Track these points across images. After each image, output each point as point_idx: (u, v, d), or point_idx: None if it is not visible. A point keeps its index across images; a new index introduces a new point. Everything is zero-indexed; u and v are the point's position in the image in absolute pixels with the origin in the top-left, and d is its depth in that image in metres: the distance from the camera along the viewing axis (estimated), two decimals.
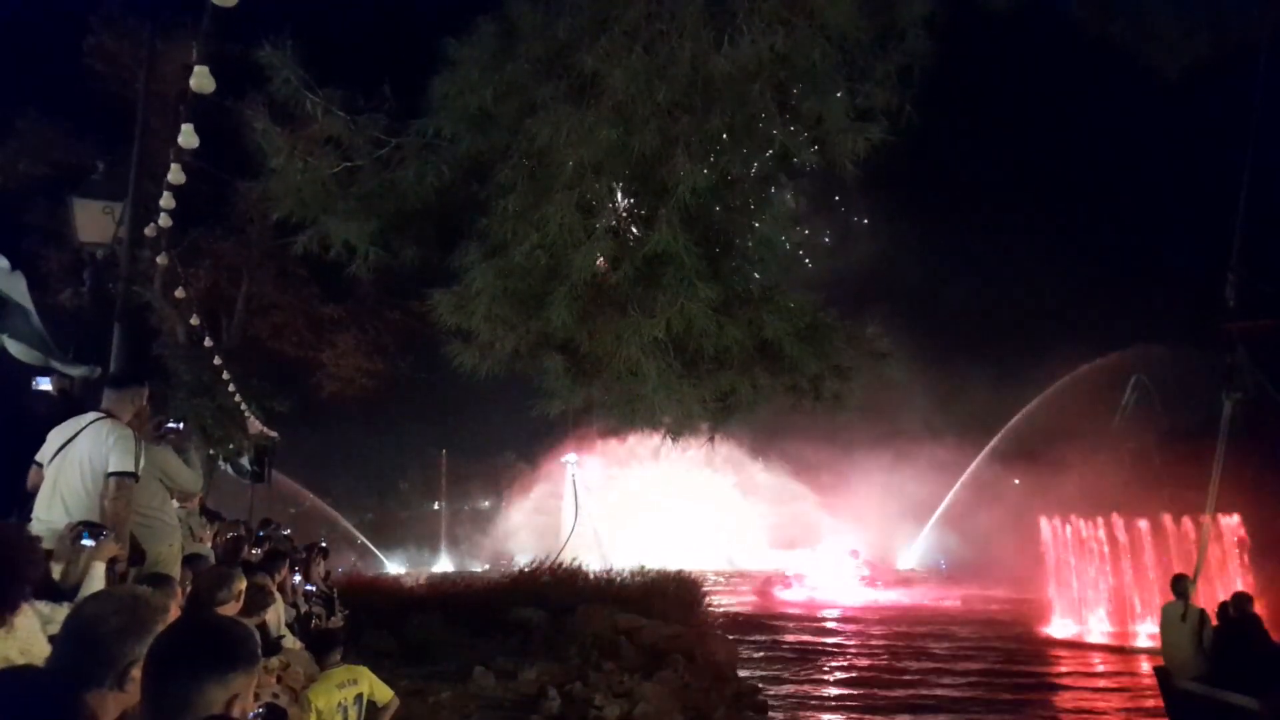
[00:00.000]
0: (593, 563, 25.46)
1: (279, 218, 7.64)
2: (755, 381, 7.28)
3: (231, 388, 15.52)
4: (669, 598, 21.09)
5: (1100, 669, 19.34)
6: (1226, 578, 21.66)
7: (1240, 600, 10.48)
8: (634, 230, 6.84)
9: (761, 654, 21.61)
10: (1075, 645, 23.44)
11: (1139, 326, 38.78)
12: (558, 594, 18.98)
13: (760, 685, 16.20)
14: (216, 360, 14.84)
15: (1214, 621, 10.59)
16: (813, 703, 15.18)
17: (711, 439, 8.08)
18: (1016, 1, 6.98)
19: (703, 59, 6.11)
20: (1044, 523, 30.66)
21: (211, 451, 18.07)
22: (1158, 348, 36.20)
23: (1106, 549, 28.03)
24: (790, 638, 25.09)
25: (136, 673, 2.25)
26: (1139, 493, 31.84)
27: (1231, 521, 23.86)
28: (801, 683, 17.62)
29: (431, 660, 13.65)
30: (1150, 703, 13.02)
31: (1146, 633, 21.10)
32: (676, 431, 7.67)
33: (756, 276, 7.38)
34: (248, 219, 19.60)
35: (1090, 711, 14.58)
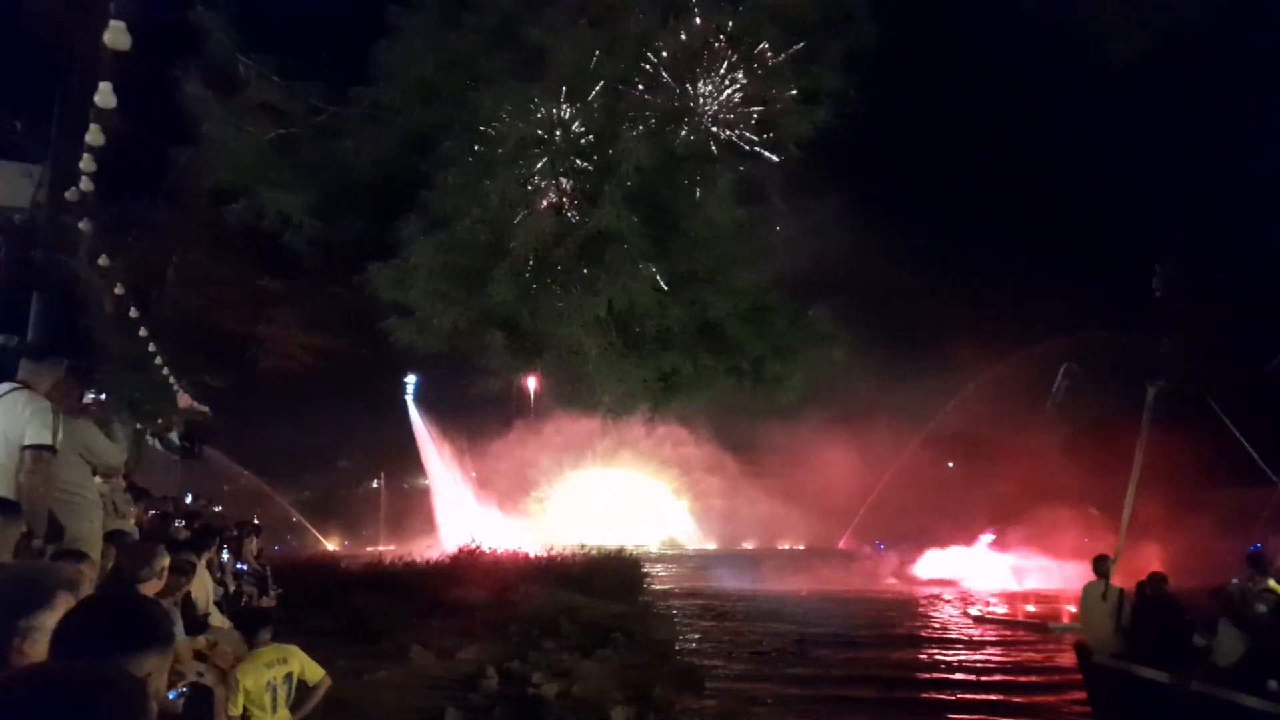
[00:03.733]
0: (463, 540, 24.47)
1: (216, 186, 7.43)
2: (698, 362, 7.32)
3: (159, 360, 15.06)
4: (610, 577, 21.17)
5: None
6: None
7: (1156, 580, 10.89)
8: (577, 207, 6.80)
9: None
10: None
11: (1078, 314, 39.79)
12: (500, 573, 18.94)
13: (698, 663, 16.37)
14: (143, 332, 14.37)
15: (1132, 600, 11.00)
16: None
17: (652, 419, 8.10)
18: None
19: (651, 35, 6.07)
20: None
21: (139, 426, 17.54)
22: (1091, 335, 37.23)
23: None
24: None
25: (28, 647, 2.16)
26: (1068, 476, 32.94)
27: None
28: None
29: (371, 640, 13.49)
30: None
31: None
32: (617, 411, 7.67)
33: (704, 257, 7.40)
34: (182, 187, 18.95)
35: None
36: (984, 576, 34.00)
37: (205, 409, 18.27)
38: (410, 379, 51.45)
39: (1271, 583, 10.47)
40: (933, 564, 37.23)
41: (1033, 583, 31.94)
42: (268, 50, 6.80)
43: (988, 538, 37.50)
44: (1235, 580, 10.80)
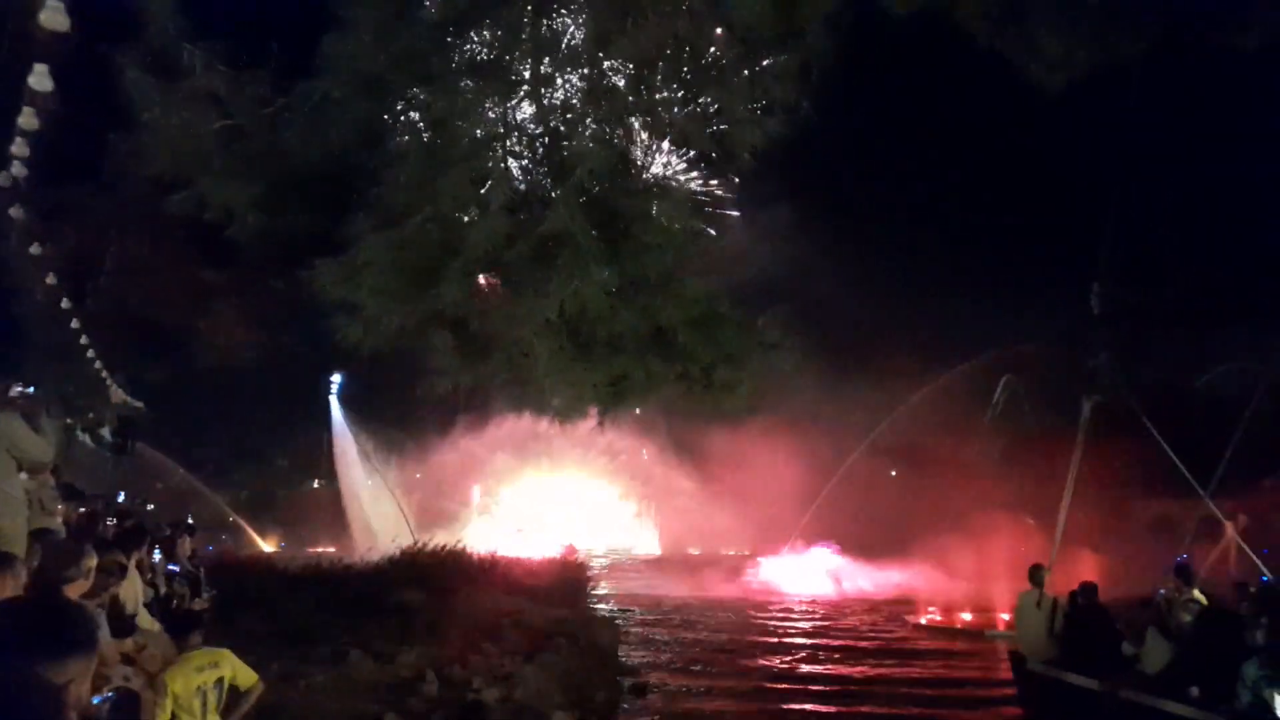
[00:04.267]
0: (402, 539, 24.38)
1: (156, 176, 7.21)
2: (648, 368, 7.28)
3: (91, 353, 14.57)
4: (555, 581, 21.07)
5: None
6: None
7: (1087, 589, 11.20)
8: (530, 209, 6.73)
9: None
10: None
11: (1019, 329, 40.82)
12: (442, 576, 18.69)
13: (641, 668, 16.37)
14: (75, 324, 13.89)
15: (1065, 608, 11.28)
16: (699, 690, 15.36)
17: (601, 423, 8.07)
18: (916, 9, 7.17)
19: (606, 39, 6.05)
20: None
21: (69, 421, 16.96)
22: (1031, 350, 38.13)
23: None
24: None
25: None
26: (1006, 486, 33.71)
27: None
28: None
29: (309, 644, 13.20)
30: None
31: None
32: (566, 415, 7.62)
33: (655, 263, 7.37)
34: (121, 176, 18.42)
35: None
36: (812, 584, 35.16)
37: (139, 404, 17.72)
38: (335, 378, 50.53)
39: (1197, 593, 10.84)
40: (765, 571, 38.24)
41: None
42: (215, 38, 6.62)
43: (824, 549, 39.05)
44: (1162, 590, 11.17)
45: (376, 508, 49.90)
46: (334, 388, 51.19)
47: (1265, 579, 16.20)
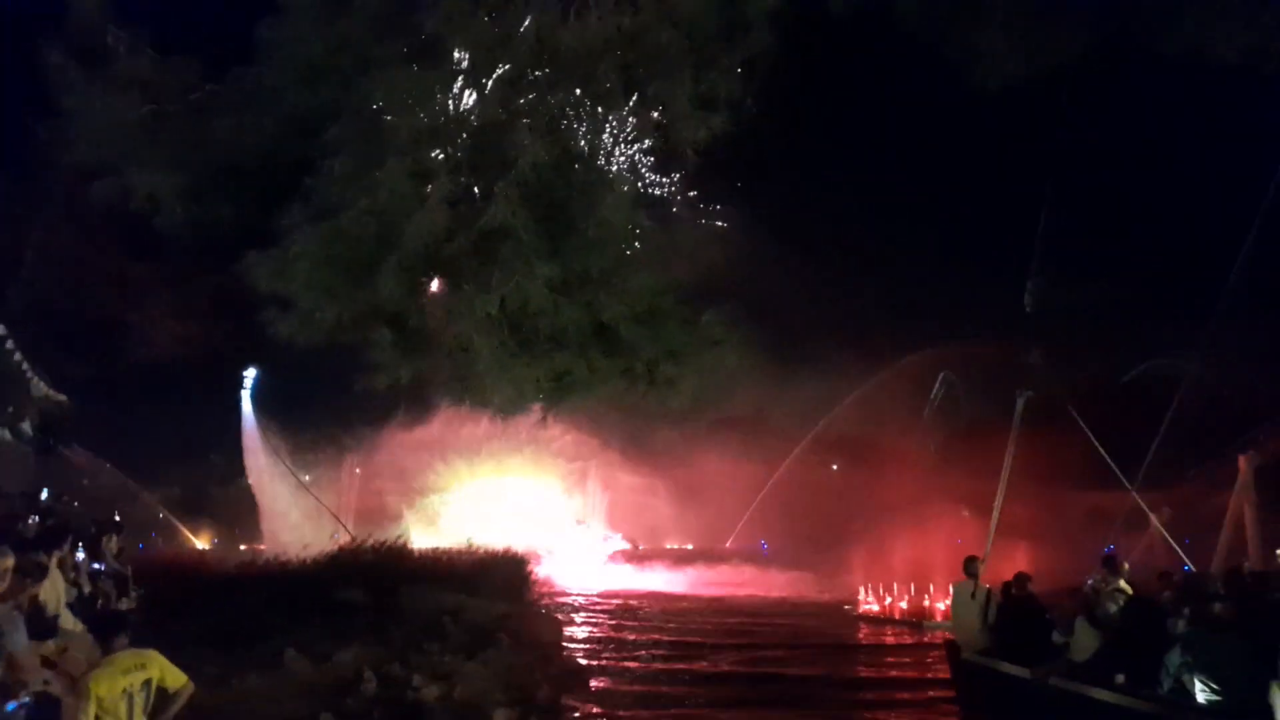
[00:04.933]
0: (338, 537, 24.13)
1: (79, 164, 6.94)
2: (591, 363, 7.26)
3: (10, 344, 14.00)
4: (497, 577, 20.96)
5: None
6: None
7: (1020, 580, 11.49)
8: (471, 202, 6.64)
9: None
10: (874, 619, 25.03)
11: (956, 326, 41.70)
12: (383, 573, 18.42)
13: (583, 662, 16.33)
14: None
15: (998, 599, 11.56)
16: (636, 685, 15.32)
17: (544, 419, 8.02)
18: (855, 7, 7.25)
19: (549, 30, 5.99)
20: None
21: None
22: (967, 346, 38.98)
23: None
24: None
25: None
26: (943, 479, 34.45)
27: None
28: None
29: (244, 645, 12.89)
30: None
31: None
32: (508, 410, 7.57)
33: (598, 258, 7.33)
34: (42, 164, 17.70)
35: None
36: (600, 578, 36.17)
37: (63, 398, 17.08)
38: (249, 373, 48.06)
39: (1122, 583, 11.19)
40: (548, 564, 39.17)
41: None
42: (141, 21, 6.39)
43: (620, 544, 40.24)
44: (1090, 580, 11.51)
45: (296, 506, 48.55)
46: (247, 383, 48.84)
47: (1187, 568, 16.81)
